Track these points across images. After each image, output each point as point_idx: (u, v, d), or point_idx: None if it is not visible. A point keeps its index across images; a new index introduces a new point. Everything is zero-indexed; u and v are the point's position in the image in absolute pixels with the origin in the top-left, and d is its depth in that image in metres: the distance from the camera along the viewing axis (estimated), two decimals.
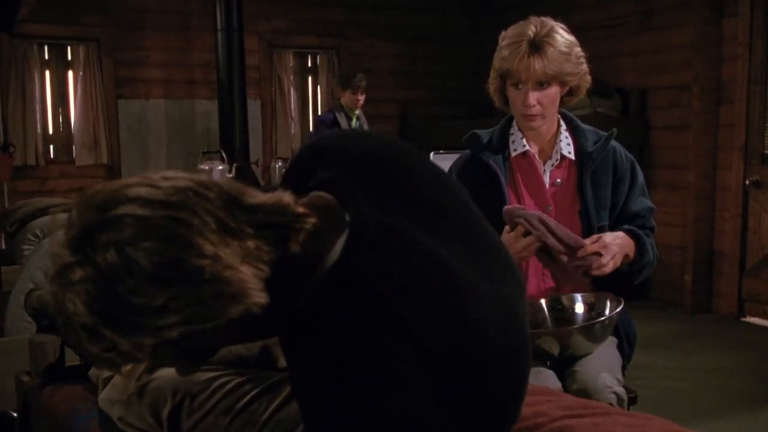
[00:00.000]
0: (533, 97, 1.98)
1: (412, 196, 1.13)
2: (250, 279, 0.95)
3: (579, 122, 2.14)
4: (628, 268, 2.02)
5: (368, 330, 0.99)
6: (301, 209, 1.03)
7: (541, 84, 1.98)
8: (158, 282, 0.91)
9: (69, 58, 6.30)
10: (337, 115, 5.55)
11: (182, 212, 0.93)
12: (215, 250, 0.92)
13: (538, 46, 1.96)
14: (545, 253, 1.94)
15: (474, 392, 1.06)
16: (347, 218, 1.06)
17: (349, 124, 5.53)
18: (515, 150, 2.10)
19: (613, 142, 2.08)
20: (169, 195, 0.95)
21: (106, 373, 1.73)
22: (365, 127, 5.64)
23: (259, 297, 0.95)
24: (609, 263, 1.93)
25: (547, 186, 2.08)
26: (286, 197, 1.04)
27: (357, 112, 5.63)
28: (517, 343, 1.14)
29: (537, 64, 1.96)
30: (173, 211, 0.93)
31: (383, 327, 0.99)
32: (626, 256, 1.99)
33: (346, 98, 5.59)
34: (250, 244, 0.96)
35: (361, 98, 5.60)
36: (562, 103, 2.09)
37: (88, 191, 0.98)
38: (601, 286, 2.04)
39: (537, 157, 2.09)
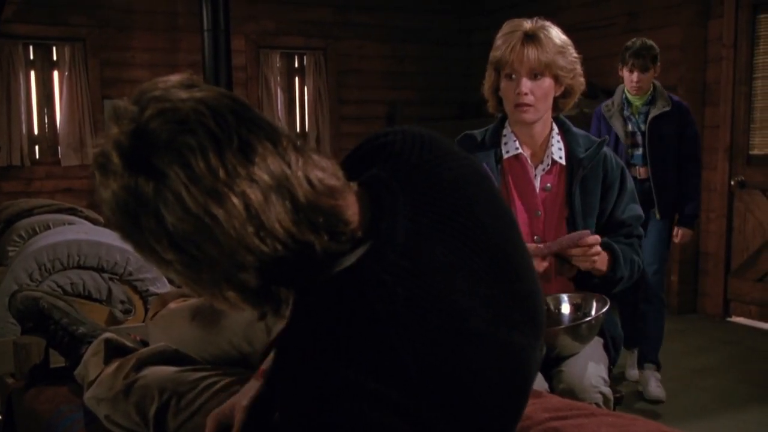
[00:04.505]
0: (526, 85, 1.98)
1: (460, 225, 1.08)
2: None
3: (571, 126, 2.14)
4: (599, 281, 2.02)
5: (356, 347, 0.98)
6: (352, 220, 1.03)
7: (535, 75, 1.98)
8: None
9: (54, 58, 6.26)
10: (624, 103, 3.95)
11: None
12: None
13: (532, 35, 1.97)
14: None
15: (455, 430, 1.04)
16: (379, 228, 1.04)
17: (624, 114, 3.92)
18: (507, 152, 2.09)
19: (605, 149, 2.09)
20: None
21: (92, 375, 1.72)
22: (651, 110, 3.86)
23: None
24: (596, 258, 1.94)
25: (538, 191, 2.08)
26: (342, 201, 1.02)
27: (645, 96, 3.88)
28: (513, 399, 1.12)
29: (531, 52, 1.96)
30: None
31: (373, 349, 0.98)
32: (598, 269, 1.99)
33: (624, 78, 3.92)
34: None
35: (636, 77, 3.81)
36: (556, 108, 2.09)
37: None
38: (583, 290, 2.04)
39: (529, 161, 2.09)
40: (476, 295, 1.05)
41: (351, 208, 1.04)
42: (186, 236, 0.93)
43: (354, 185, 1.07)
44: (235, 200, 0.92)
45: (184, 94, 0.96)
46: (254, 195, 0.93)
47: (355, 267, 1.02)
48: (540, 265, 1.91)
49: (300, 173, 0.97)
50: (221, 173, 0.92)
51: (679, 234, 3.96)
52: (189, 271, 0.98)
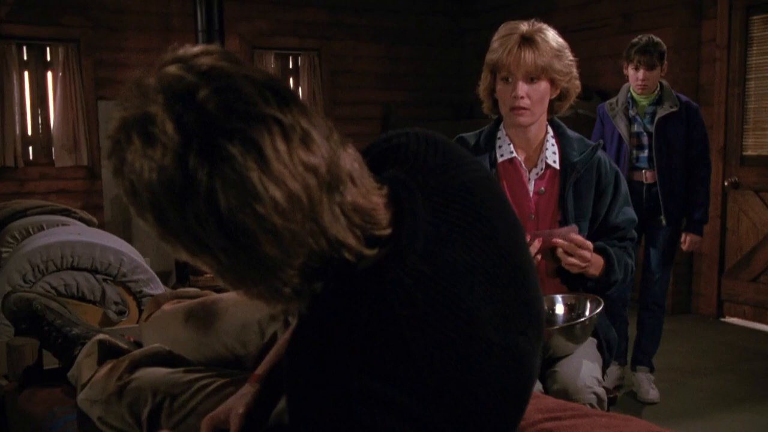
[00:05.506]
0: (522, 89, 1.98)
1: (474, 228, 1.07)
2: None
3: (567, 129, 2.14)
4: (593, 285, 2.03)
5: (372, 349, 0.97)
6: (384, 223, 1.01)
7: (531, 79, 1.98)
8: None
9: (48, 58, 6.24)
10: (629, 102, 3.76)
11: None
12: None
13: (529, 38, 1.97)
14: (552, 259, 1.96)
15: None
16: (401, 230, 1.02)
17: (629, 114, 3.74)
18: (502, 156, 2.09)
19: (599, 153, 2.09)
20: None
21: (85, 377, 1.72)
22: (658, 110, 3.68)
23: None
24: (584, 262, 1.94)
25: (531, 194, 2.08)
26: (376, 199, 1.00)
27: (650, 95, 3.69)
28: (515, 403, 1.12)
29: (528, 55, 1.96)
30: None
31: (388, 351, 0.97)
32: (591, 273, 1.99)
33: (629, 76, 3.72)
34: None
35: (642, 75, 3.62)
36: (551, 110, 2.09)
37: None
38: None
39: (523, 165, 2.09)
40: (488, 300, 1.05)
41: (381, 211, 1.01)
42: (241, 224, 0.86)
43: (384, 188, 1.04)
44: (300, 191, 0.88)
45: (235, 69, 0.92)
46: (314, 186, 0.89)
47: (376, 269, 1.00)
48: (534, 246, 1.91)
49: (347, 168, 0.94)
50: (287, 159, 0.87)
51: (687, 241, 3.83)
52: (229, 261, 0.91)
